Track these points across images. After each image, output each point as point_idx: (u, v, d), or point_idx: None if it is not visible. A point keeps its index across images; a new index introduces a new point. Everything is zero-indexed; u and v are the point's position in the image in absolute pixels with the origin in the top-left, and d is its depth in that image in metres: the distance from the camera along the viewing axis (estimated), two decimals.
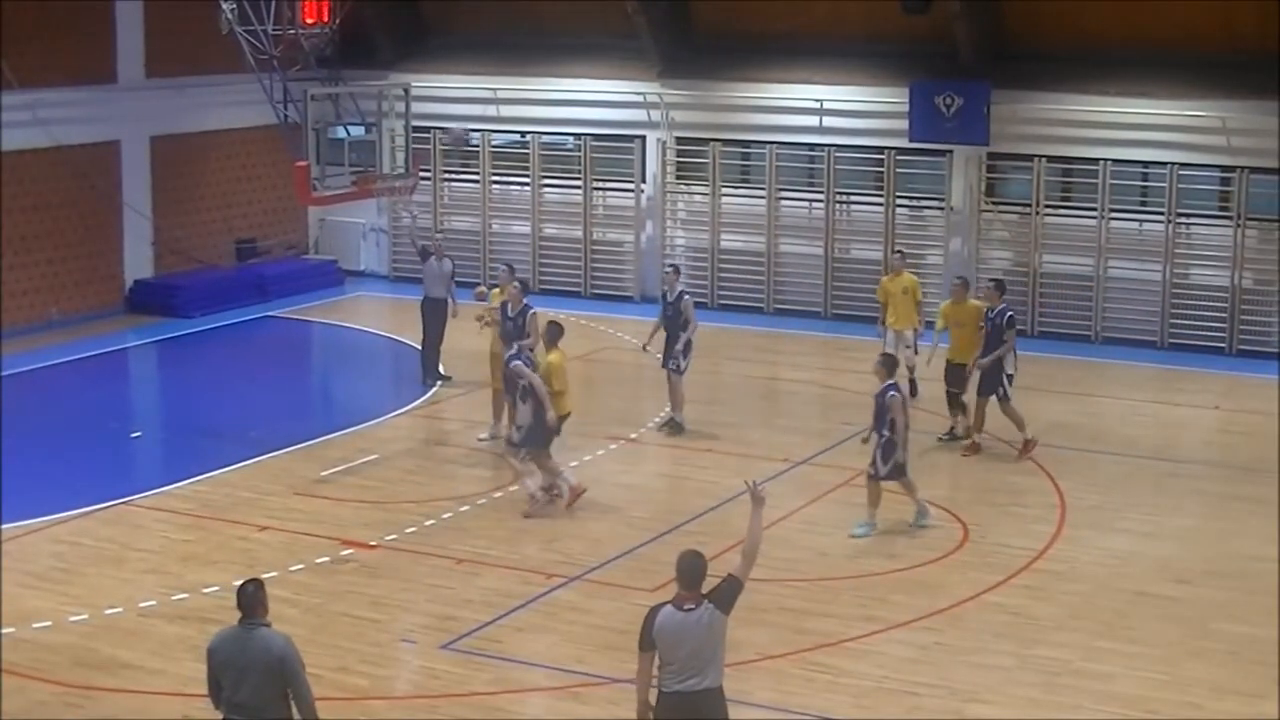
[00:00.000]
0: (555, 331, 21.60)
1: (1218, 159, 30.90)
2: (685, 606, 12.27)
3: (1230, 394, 27.68)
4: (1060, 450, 23.94)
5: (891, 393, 20.21)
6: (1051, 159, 31.99)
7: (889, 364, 20.73)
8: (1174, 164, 30.87)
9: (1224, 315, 30.49)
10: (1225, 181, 30.88)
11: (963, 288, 24.36)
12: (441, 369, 27.77)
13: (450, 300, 27.45)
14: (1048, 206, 32.08)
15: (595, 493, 21.80)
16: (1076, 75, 31.53)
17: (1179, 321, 30.93)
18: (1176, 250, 31.09)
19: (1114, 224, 31.54)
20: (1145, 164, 31.65)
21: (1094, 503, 21.94)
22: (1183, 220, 31.20)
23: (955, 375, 24.15)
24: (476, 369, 26.36)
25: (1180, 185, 30.91)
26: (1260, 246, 30.64)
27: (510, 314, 23.32)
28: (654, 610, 12.47)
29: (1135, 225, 31.73)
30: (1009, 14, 32.19)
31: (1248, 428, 25.22)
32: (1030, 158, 31.95)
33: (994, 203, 32.75)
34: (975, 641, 17.21)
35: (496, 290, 24.19)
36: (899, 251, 28.19)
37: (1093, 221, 31.52)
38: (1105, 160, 31.37)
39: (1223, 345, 30.38)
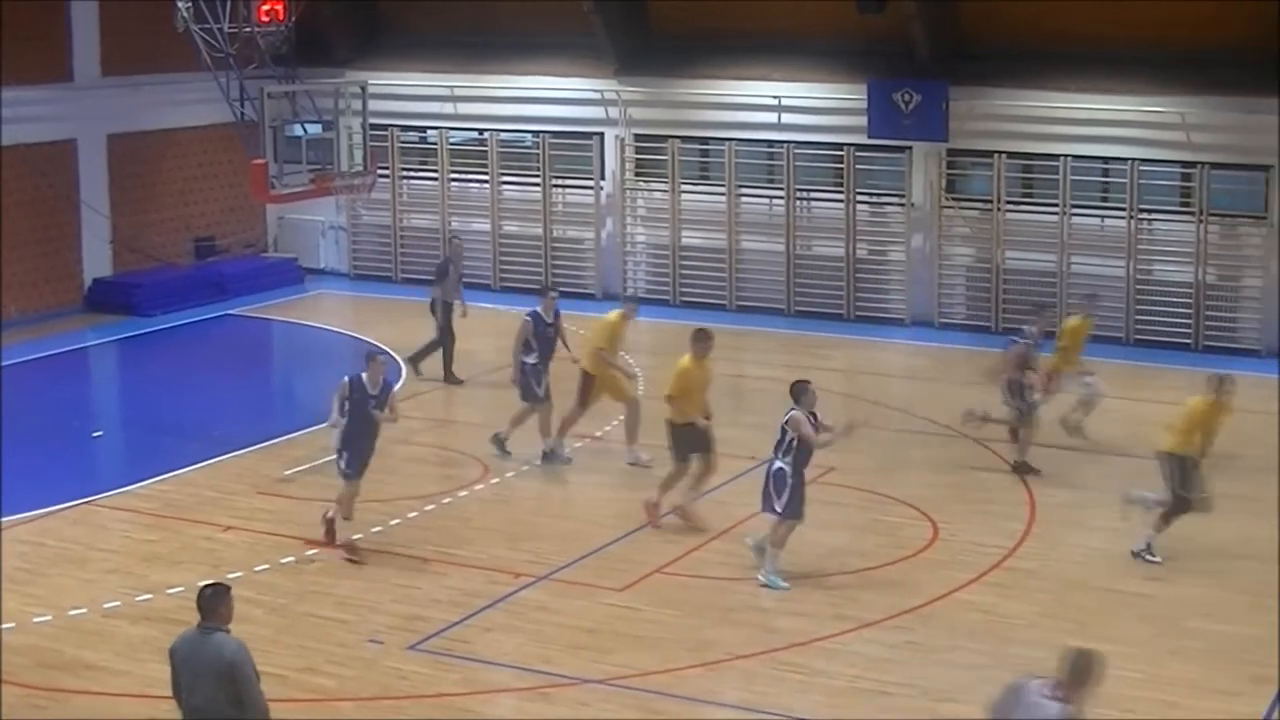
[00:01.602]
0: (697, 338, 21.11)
1: (1178, 154, 30.95)
2: (1051, 694, 11.40)
3: (1197, 390, 27.64)
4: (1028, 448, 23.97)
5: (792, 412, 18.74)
6: (1011, 155, 31.97)
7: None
8: (1134, 160, 30.88)
9: (1189, 311, 30.59)
10: (1186, 177, 30.93)
11: None
12: (421, 369, 27.80)
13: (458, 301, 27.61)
14: (1009, 203, 32.05)
15: (562, 491, 21.76)
16: (1035, 71, 31.51)
17: (1144, 317, 30.99)
18: (1139, 246, 31.15)
19: (1076, 220, 31.56)
20: (1106, 160, 31.67)
21: (1064, 500, 21.93)
22: (1145, 216, 31.25)
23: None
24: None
25: (1141, 181, 30.92)
26: (1222, 242, 30.78)
27: (549, 321, 23.61)
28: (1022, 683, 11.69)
29: (1097, 221, 31.77)
30: (965, 12, 32.14)
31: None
32: (990, 154, 31.95)
33: (955, 199, 32.74)
34: (947, 640, 17.16)
35: (553, 295, 24.10)
36: (1092, 295, 27.90)
37: (1054, 217, 31.53)
38: (1065, 156, 31.39)
39: (1188, 341, 30.46)
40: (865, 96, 32.27)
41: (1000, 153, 31.82)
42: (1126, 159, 30.99)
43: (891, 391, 26.81)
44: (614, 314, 23.64)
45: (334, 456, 19.93)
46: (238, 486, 22.16)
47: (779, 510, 18.54)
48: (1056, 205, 31.48)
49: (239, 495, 21.81)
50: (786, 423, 18.54)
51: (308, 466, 22.82)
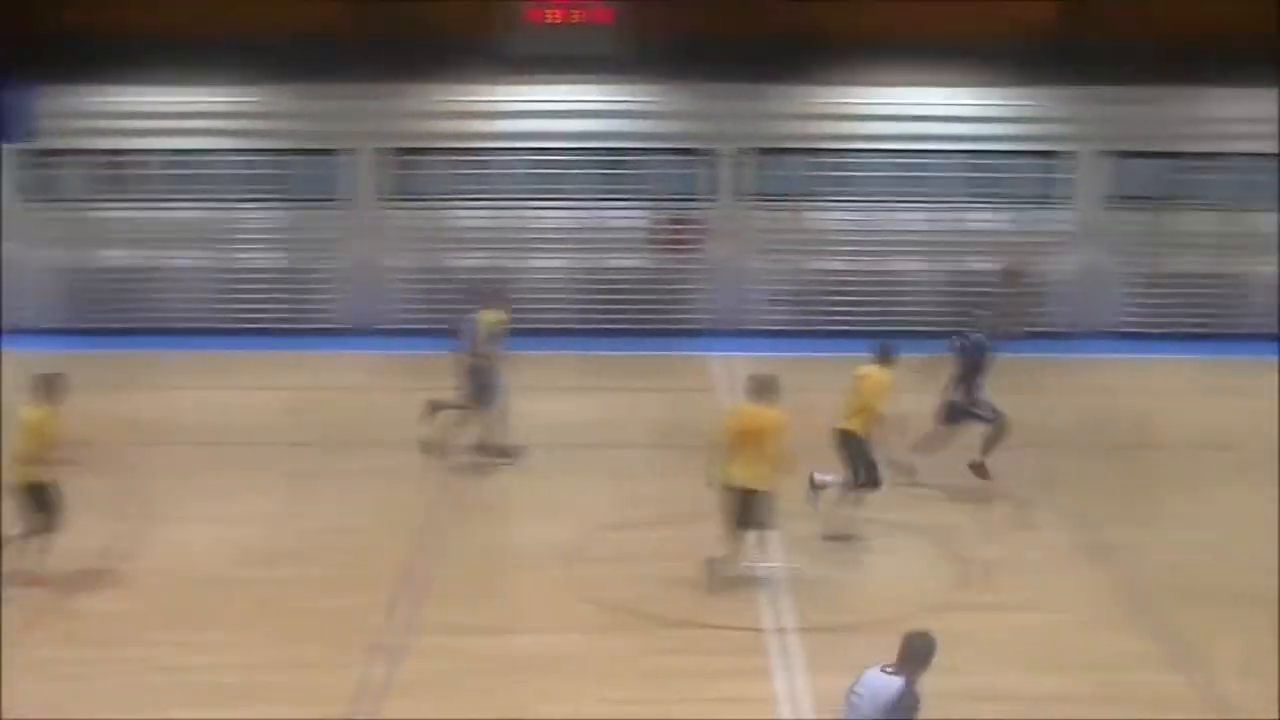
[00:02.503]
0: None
1: (263, 142, 32.15)
2: (893, 672, 11.61)
3: (298, 371, 28.35)
4: (129, 447, 23.27)
5: None
6: (97, 152, 32.08)
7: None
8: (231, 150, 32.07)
9: (283, 295, 31.67)
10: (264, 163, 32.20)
11: None
12: None
13: None
14: (98, 200, 32.02)
15: None
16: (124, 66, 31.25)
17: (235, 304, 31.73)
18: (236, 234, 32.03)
19: (182, 214, 32.09)
20: (199, 151, 32.25)
21: (158, 493, 21.47)
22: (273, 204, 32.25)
23: None
24: None
25: (231, 170, 31.94)
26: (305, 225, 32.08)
27: None
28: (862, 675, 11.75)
29: (213, 213, 32.18)
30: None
31: (310, 404, 25.61)
32: (78, 152, 31.93)
33: (37, 199, 32.10)
34: (59, 652, 16.44)
35: None
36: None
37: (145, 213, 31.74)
38: (152, 150, 32.06)
39: (274, 325, 31.28)
40: None
41: (88, 150, 31.99)
42: (223, 150, 32.13)
43: None
44: None
45: None
46: None
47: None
48: (149, 201, 31.92)
49: None
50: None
51: None
